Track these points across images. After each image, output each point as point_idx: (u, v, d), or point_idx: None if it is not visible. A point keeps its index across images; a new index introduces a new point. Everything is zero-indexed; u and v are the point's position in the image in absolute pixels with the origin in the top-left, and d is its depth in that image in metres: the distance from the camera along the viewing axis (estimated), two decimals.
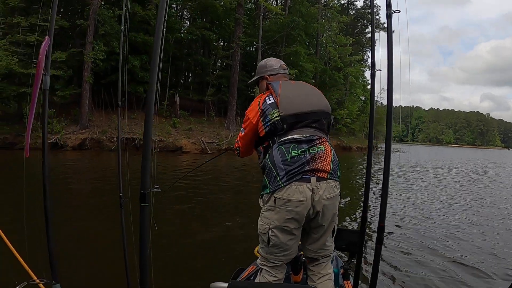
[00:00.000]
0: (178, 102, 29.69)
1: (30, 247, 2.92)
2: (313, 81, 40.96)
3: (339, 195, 2.45)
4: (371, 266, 2.47)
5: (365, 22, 56.05)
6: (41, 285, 2.37)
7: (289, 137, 2.37)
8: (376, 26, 54.81)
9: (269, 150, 2.43)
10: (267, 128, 2.44)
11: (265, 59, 2.93)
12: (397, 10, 2.33)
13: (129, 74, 25.10)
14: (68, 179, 12.43)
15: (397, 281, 4.74)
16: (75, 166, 15.68)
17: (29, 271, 2.60)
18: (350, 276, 3.17)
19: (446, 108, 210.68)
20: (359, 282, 2.91)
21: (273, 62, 2.86)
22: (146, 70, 27.12)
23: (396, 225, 7.68)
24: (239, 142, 2.72)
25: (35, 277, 2.43)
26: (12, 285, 2.37)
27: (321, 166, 2.33)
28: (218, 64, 41.01)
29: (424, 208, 9.86)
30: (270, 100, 2.49)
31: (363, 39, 54.14)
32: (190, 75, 41.64)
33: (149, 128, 1.80)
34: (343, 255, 4.42)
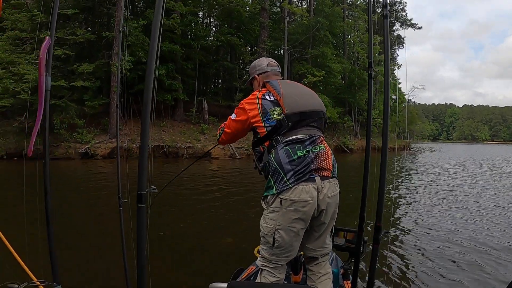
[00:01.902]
0: (206, 109, 29.82)
1: (31, 249, 2.96)
2: (342, 82, 40.63)
3: (339, 193, 2.47)
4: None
5: (392, 19, 55.37)
6: (41, 286, 2.32)
7: (293, 137, 2.36)
8: (404, 23, 54.16)
9: (272, 150, 2.37)
10: (269, 127, 2.41)
11: (257, 59, 2.93)
12: (394, 10, 2.23)
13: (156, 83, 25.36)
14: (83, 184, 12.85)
15: (396, 280, 4.67)
16: (98, 173, 15.92)
17: (29, 272, 2.59)
18: (350, 276, 3.17)
19: (481, 104, 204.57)
20: (358, 281, 2.94)
21: (262, 62, 2.84)
22: (174, 78, 27.45)
23: (399, 225, 7.61)
24: (226, 125, 2.68)
25: (35, 279, 2.39)
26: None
27: (324, 165, 2.36)
28: (247, 69, 41.14)
29: (430, 208, 9.49)
30: (270, 97, 2.47)
31: (391, 37, 53.43)
32: (219, 81, 41.92)
33: (146, 129, 1.82)
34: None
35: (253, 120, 2.46)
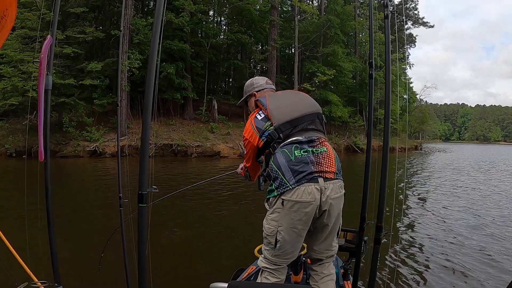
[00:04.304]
0: (216, 107, 29.60)
1: (32, 250, 3.02)
2: (353, 81, 40.35)
3: (344, 195, 2.47)
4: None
5: (403, 18, 54.85)
6: (42, 287, 2.36)
7: (290, 140, 2.43)
8: (415, 21, 53.69)
9: (272, 156, 2.44)
10: (265, 139, 2.51)
11: (252, 78, 3.01)
12: (394, 11, 2.44)
13: (166, 81, 25.46)
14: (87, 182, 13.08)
15: (397, 281, 4.69)
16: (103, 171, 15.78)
17: (30, 273, 2.60)
18: (350, 276, 3.20)
19: (493, 104, 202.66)
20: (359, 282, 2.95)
21: (259, 80, 2.96)
22: (183, 76, 27.39)
23: (400, 225, 7.63)
24: (245, 162, 2.83)
25: (36, 280, 2.44)
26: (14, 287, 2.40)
27: (327, 167, 2.37)
28: (258, 68, 40.95)
29: (432, 209, 9.53)
30: (260, 116, 2.58)
31: (403, 36, 52.93)
32: (230, 80, 41.88)
33: (147, 129, 1.84)
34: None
35: (257, 143, 2.55)
